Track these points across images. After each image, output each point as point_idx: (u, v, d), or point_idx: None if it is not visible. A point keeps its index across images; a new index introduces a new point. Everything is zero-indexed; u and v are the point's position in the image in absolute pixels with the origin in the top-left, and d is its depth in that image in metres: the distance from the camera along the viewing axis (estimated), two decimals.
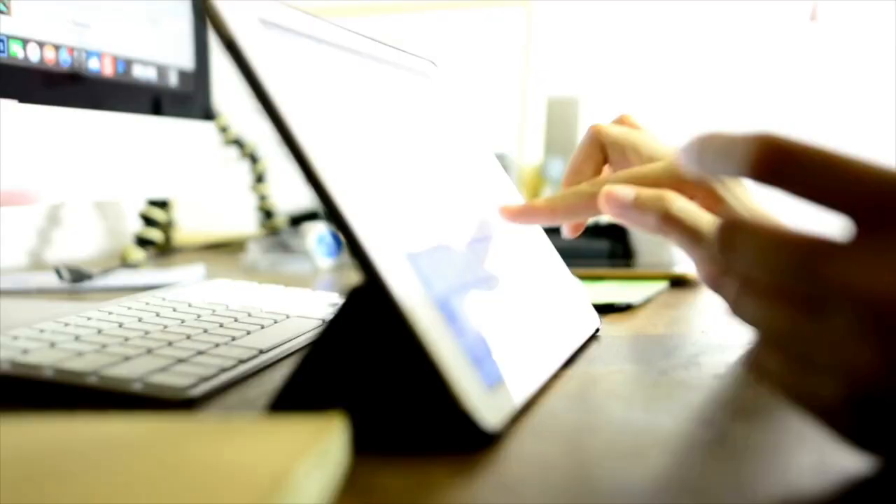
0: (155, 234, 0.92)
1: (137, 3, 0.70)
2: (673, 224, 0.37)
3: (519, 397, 0.33)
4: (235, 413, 0.35)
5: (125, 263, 0.89)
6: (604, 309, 0.58)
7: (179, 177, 0.80)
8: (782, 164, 0.25)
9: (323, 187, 0.30)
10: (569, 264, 0.66)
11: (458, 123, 0.51)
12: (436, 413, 0.29)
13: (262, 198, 1.05)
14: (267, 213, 1.00)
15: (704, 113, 1.16)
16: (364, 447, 0.28)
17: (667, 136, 0.47)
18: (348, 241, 0.30)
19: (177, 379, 0.37)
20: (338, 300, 0.31)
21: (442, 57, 1.19)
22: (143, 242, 0.91)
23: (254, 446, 0.23)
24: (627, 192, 0.39)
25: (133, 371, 0.37)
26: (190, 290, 0.59)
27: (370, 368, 0.30)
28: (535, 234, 0.50)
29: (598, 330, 0.49)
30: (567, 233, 0.48)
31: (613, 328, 0.52)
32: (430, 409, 0.29)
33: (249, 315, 0.52)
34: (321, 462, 0.24)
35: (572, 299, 0.48)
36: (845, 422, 0.25)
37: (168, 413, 0.35)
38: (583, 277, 0.65)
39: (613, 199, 0.40)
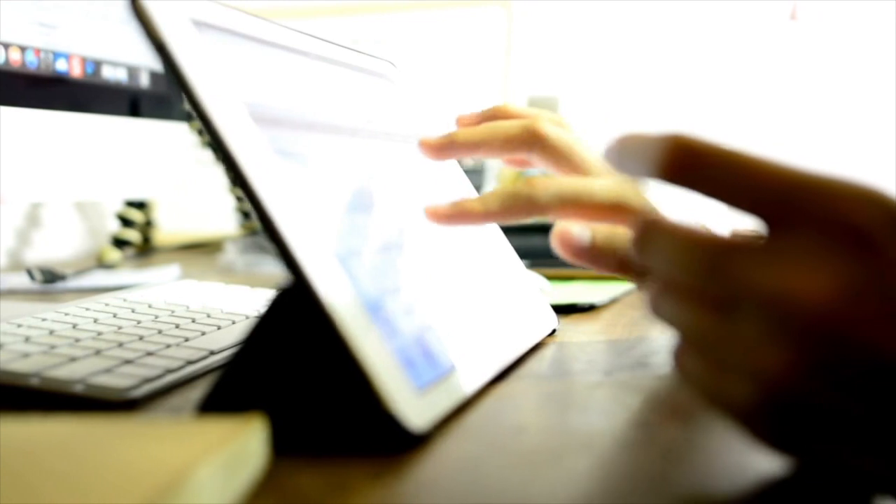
0: (132, 235, 0.92)
1: (107, 3, 0.70)
2: (630, 267, 0.37)
3: (454, 398, 0.33)
4: (170, 414, 0.35)
5: (101, 264, 0.89)
6: (567, 309, 0.58)
7: (158, 178, 0.80)
8: (691, 164, 0.25)
9: (251, 189, 0.30)
10: (537, 264, 0.66)
11: (415, 124, 0.51)
12: (362, 414, 0.29)
13: (240, 199, 1.05)
14: (245, 214, 1.01)
15: (685, 112, 1.16)
16: (289, 448, 0.28)
17: (594, 145, 0.46)
18: (274, 242, 0.30)
19: (119, 380, 0.37)
20: (266, 300, 0.31)
21: (421, 57, 1.19)
22: (119, 243, 0.91)
23: (159, 447, 0.24)
24: (583, 234, 0.38)
25: (76, 372, 0.37)
26: (153, 291, 0.59)
27: (297, 369, 0.30)
28: (490, 234, 0.50)
29: (554, 330, 0.49)
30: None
31: (572, 328, 0.52)
32: (356, 410, 0.29)
33: (208, 316, 0.52)
34: (231, 463, 0.24)
35: (527, 300, 0.48)
36: (760, 424, 0.25)
37: (107, 414, 0.35)
38: (551, 277, 0.65)
39: (568, 242, 0.38)
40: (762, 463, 0.27)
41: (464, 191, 0.50)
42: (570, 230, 0.38)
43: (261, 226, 0.30)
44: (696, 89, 1.16)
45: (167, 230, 1.09)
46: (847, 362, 0.23)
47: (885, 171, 1.06)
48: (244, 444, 0.26)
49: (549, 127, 0.45)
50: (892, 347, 0.22)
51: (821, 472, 0.26)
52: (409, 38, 1.18)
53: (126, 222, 0.92)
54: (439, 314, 0.38)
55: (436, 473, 0.27)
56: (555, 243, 0.39)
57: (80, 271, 0.82)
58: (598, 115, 1.17)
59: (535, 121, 0.46)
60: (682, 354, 0.27)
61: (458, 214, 0.40)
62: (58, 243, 1.04)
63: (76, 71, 0.67)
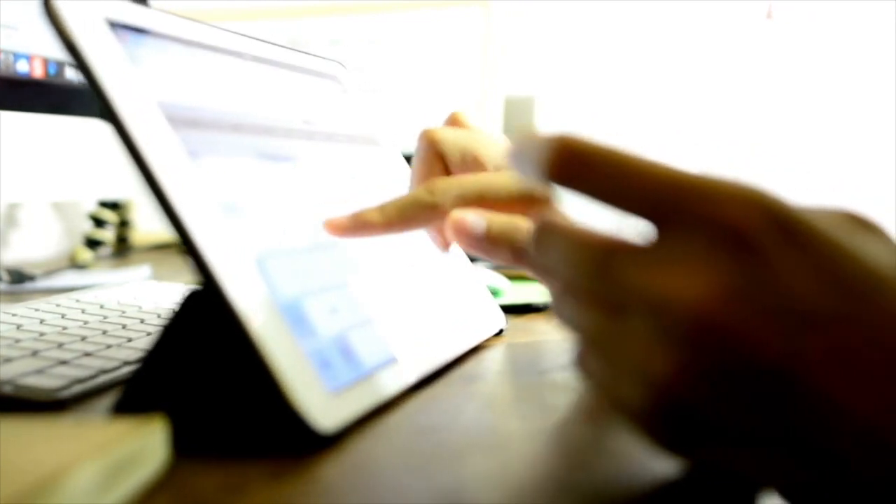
0: (105, 235, 0.93)
1: None
2: (526, 261, 0.36)
3: (372, 399, 0.33)
4: (96, 415, 0.35)
5: (74, 264, 0.89)
6: (523, 309, 0.58)
7: (134, 178, 0.80)
8: (575, 166, 0.25)
9: (158, 188, 0.30)
10: (500, 264, 0.66)
11: (360, 125, 0.51)
12: (270, 416, 0.29)
13: None
14: None
15: (661, 111, 1.16)
16: (199, 449, 0.29)
17: (497, 136, 0.45)
18: (183, 241, 0.30)
19: (50, 381, 0.37)
20: (178, 301, 0.31)
21: (399, 57, 1.19)
22: (92, 243, 0.91)
23: (44, 448, 0.24)
24: (478, 223, 0.37)
25: (7, 373, 0.37)
26: (109, 292, 0.59)
27: (206, 370, 0.30)
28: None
29: (501, 330, 0.49)
30: (440, 250, 0.44)
31: (525, 328, 0.52)
32: (264, 411, 0.29)
33: (158, 317, 0.52)
34: (122, 463, 0.24)
35: (472, 300, 0.48)
36: (652, 427, 0.25)
37: (33, 415, 0.35)
38: (512, 277, 0.66)
39: (463, 231, 0.38)
40: (662, 465, 0.27)
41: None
42: (466, 218, 0.38)
43: (172, 227, 0.30)
44: (673, 88, 1.16)
45: (145, 230, 1.09)
46: (729, 365, 0.23)
47: (861, 166, 1.06)
48: (140, 444, 0.26)
49: (445, 132, 0.44)
50: (772, 350, 0.22)
51: (712, 473, 0.26)
52: (388, 39, 1.18)
53: (99, 222, 0.92)
54: (370, 314, 0.38)
55: (337, 474, 0.28)
56: (449, 231, 0.38)
57: (50, 272, 0.83)
58: (576, 115, 1.17)
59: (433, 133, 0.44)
60: (583, 355, 0.27)
61: (356, 226, 0.39)
62: (35, 243, 1.04)
63: (38, 72, 0.67)
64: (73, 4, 0.31)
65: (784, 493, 0.24)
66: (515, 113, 1.09)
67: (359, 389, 0.33)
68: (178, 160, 0.31)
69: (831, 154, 1.08)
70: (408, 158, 1.14)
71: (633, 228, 0.25)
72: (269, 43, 0.45)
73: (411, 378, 0.37)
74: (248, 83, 0.41)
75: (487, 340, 0.47)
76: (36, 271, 0.80)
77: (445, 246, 0.43)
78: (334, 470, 0.28)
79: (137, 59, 0.33)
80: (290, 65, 0.46)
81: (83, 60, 0.30)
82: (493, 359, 0.43)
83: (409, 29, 1.16)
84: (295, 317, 0.32)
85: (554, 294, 0.27)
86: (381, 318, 0.39)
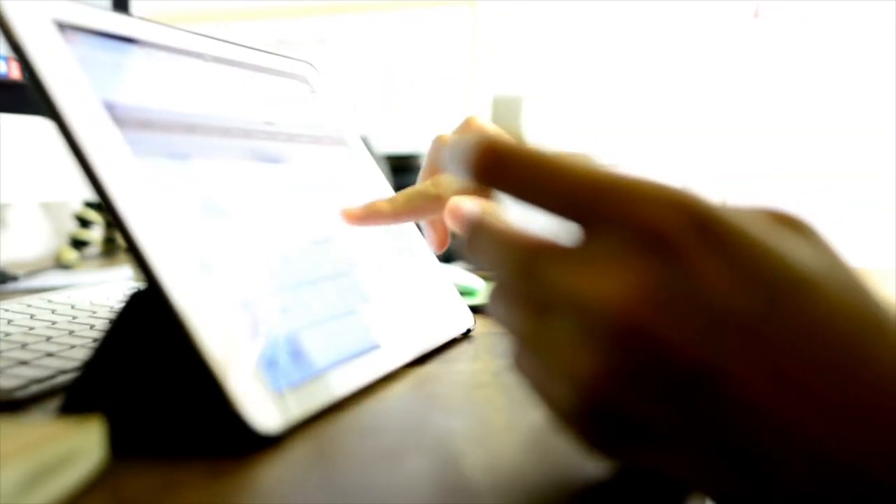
0: (91, 236, 0.93)
1: None
2: None
3: (321, 399, 0.34)
4: (38, 416, 0.35)
5: (58, 264, 0.90)
6: None
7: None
8: (498, 166, 0.25)
9: (103, 190, 0.30)
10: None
11: (330, 126, 0.51)
12: (212, 416, 0.29)
13: None
14: None
15: (649, 109, 1.15)
16: (140, 450, 0.29)
17: (514, 136, 0.47)
18: (127, 242, 0.30)
19: (7, 381, 0.37)
20: (121, 301, 0.31)
21: (388, 56, 1.19)
22: (77, 244, 0.91)
23: None
24: (473, 207, 0.40)
25: None
26: (83, 292, 0.59)
27: (149, 371, 0.31)
28: (402, 235, 0.50)
29: (469, 330, 0.49)
30: (435, 249, 0.49)
31: (494, 328, 0.52)
32: (206, 412, 0.29)
33: None
34: (52, 464, 0.24)
35: (438, 300, 0.48)
36: (580, 427, 0.25)
37: None
38: (487, 278, 0.66)
39: (458, 214, 0.41)
40: (595, 467, 0.27)
41: (371, 193, 0.50)
42: (462, 203, 0.41)
43: (117, 228, 0.30)
44: (661, 87, 1.15)
45: None
46: (650, 367, 0.23)
47: (846, 160, 1.06)
48: (73, 445, 0.26)
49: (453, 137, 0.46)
50: (691, 352, 0.22)
51: (642, 475, 0.26)
52: (375, 38, 1.18)
53: (84, 223, 0.92)
54: (326, 314, 0.38)
55: (273, 474, 0.28)
56: (447, 216, 0.42)
57: (34, 272, 0.83)
58: (564, 114, 1.17)
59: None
60: (518, 355, 0.27)
61: (368, 215, 0.44)
62: (23, 244, 1.05)
63: (15, 73, 0.67)
64: (19, 5, 0.31)
65: (712, 496, 0.24)
66: (503, 112, 1.09)
67: (307, 390, 0.33)
68: (122, 160, 0.32)
69: (817, 149, 1.08)
70: (398, 157, 1.14)
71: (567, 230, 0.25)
72: (232, 44, 0.45)
73: (365, 378, 0.37)
74: (207, 84, 0.41)
75: (454, 341, 0.47)
76: (19, 271, 0.81)
77: (440, 245, 0.47)
78: (272, 470, 0.28)
79: (86, 60, 0.33)
80: (255, 65, 0.46)
81: (27, 60, 0.30)
82: (453, 359, 0.43)
83: (396, 28, 1.16)
84: (241, 317, 0.32)
85: (490, 293, 0.27)
86: (338, 319, 0.39)
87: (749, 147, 1.11)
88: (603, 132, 1.16)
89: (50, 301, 0.55)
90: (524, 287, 0.25)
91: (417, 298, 0.47)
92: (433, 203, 0.44)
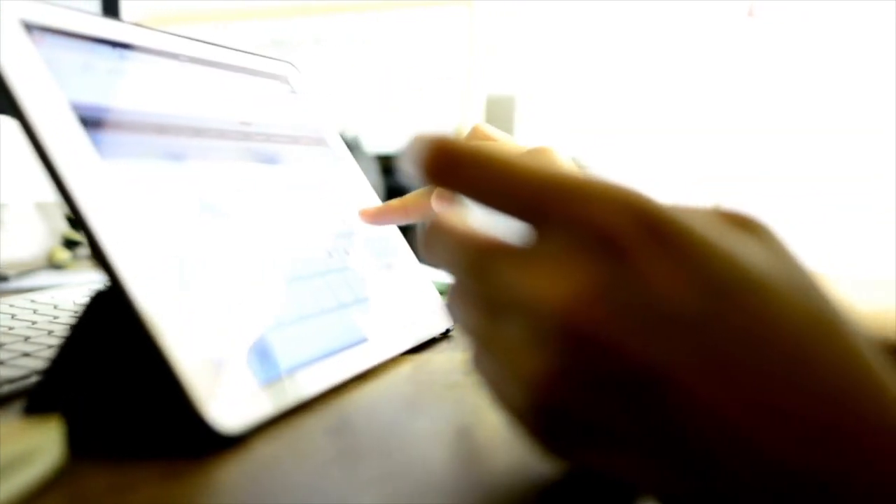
0: (80, 236, 0.93)
1: None
2: None
3: (286, 400, 0.34)
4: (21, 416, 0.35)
5: (51, 264, 0.90)
6: None
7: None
8: (449, 166, 0.25)
9: (66, 190, 0.30)
10: None
11: (310, 126, 0.51)
12: (173, 416, 0.29)
13: None
14: None
15: (644, 107, 1.15)
16: (99, 449, 0.29)
17: (520, 145, 0.47)
18: (90, 243, 0.30)
19: None
20: (84, 302, 0.31)
21: (385, 55, 1.19)
22: (70, 243, 0.92)
23: None
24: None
25: None
26: (67, 292, 0.60)
27: (111, 370, 0.31)
28: (385, 234, 0.50)
29: (449, 330, 0.49)
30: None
31: None
32: (167, 412, 0.30)
33: None
34: (8, 462, 0.25)
35: (416, 301, 0.48)
36: (533, 428, 0.25)
37: None
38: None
39: (445, 199, 0.45)
40: (550, 468, 0.27)
41: (349, 192, 0.50)
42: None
43: (80, 228, 0.30)
44: (655, 86, 1.15)
45: None
46: (597, 368, 0.23)
47: (839, 154, 1.06)
48: (30, 445, 0.26)
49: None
50: (637, 354, 0.22)
51: (593, 477, 0.26)
52: (371, 37, 1.18)
53: (74, 223, 0.93)
54: (298, 314, 0.38)
55: (230, 475, 0.28)
56: (433, 201, 0.45)
57: (25, 272, 0.83)
58: (557, 113, 1.17)
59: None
60: (475, 354, 0.27)
61: (382, 213, 0.49)
62: (18, 243, 1.05)
63: None
64: None
65: (659, 497, 0.24)
66: (496, 111, 1.09)
67: (274, 389, 0.33)
68: (87, 161, 0.32)
69: (812, 148, 1.07)
70: (391, 157, 1.14)
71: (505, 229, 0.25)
72: (209, 44, 0.45)
73: (337, 378, 0.37)
74: (181, 85, 0.41)
75: (433, 340, 0.47)
76: (10, 271, 0.81)
77: None
78: (229, 470, 0.28)
79: (53, 61, 0.33)
80: (233, 66, 0.47)
81: None
82: (429, 359, 0.43)
83: (392, 28, 1.16)
84: (206, 317, 0.32)
85: (448, 293, 0.27)
86: (312, 319, 0.39)
87: (743, 146, 1.11)
88: (597, 132, 1.16)
89: (33, 301, 0.56)
90: (477, 287, 0.25)
91: (396, 299, 0.47)
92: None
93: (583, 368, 0.23)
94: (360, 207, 0.49)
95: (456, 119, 1.12)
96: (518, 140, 0.49)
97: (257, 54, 0.50)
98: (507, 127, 1.08)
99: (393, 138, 1.09)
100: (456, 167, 0.25)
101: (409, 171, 0.26)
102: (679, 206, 0.24)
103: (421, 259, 0.51)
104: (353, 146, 1.06)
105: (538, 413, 0.24)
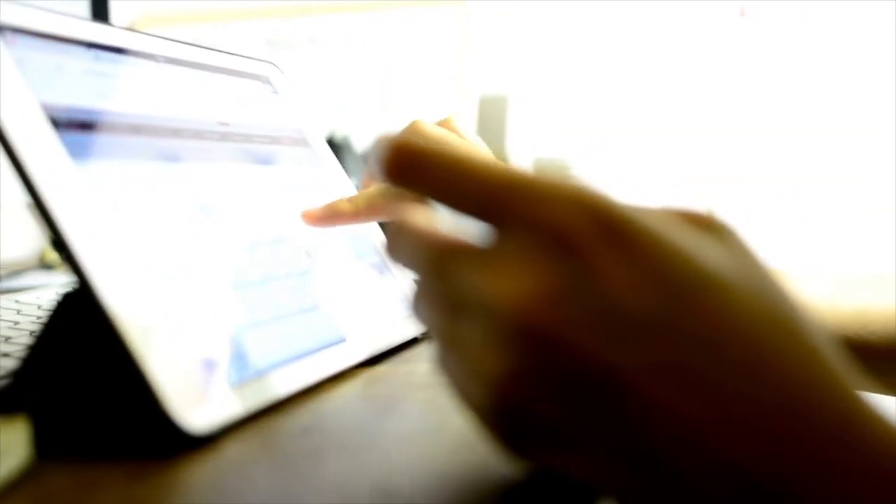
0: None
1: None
2: None
3: (258, 400, 0.34)
4: None
5: (42, 264, 0.90)
6: None
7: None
8: (409, 166, 0.25)
9: (35, 190, 0.30)
10: None
11: (291, 126, 0.51)
12: (143, 416, 0.29)
13: None
14: None
15: (637, 107, 1.15)
16: (68, 449, 0.29)
17: (483, 148, 0.48)
18: (59, 244, 0.30)
19: None
20: (53, 303, 0.31)
21: (378, 56, 1.19)
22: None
23: None
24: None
25: None
26: (51, 292, 0.60)
27: (80, 371, 0.31)
28: (363, 234, 0.50)
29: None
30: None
31: None
32: (138, 412, 0.30)
33: None
34: None
35: (397, 301, 0.48)
36: (494, 428, 0.25)
37: None
38: None
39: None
40: (512, 469, 0.27)
41: (330, 192, 0.50)
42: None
43: (49, 229, 0.30)
44: (650, 84, 1.15)
45: None
46: (554, 369, 0.22)
47: (830, 153, 1.05)
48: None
49: (427, 128, 0.47)
50: (594, 356, 0.22)
51: (554, 478, 0.26)
52: (365, 38, 1.18)
53: None
54: (272, 315, 0.38)
55: (196, 475, 0.28)
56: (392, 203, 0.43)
57: (16, 271, 0.83)
58: (551, 114, 1.17)
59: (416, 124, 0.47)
60: (439, 354, 0.27)
61: (328, 216, 0.45)
62: (13, 244, 1.05)
63: None
64: None
65: (618, 498, 0.24)
66: (490, 111, 1.09)
67: (247, 389, 0.33)
68: (57, 162, 0.32)
69: (804, 148, 1.07)
70: None
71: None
72: (188, 45, 0.45)
73: (311, 379, 0.37)
74: (157, 85, 0.41)
75: (413, 341, 0.47)
76: (1, 272, 0.81)
77: None
78: (195, 470, 0.28)
79: (25, 61, 0.34)
80: (212, 66, 0.47)
81: None
82: (406, 360, 0.43)
83: (386, 28, 1.16)
84: (177, 317, 0.32)
85: (412, 292, 0.27)
86: (288, 319, 0.39)
87: (735, 146, 1.11)
88: (590, 132, 1.16)
89: (17, 301, 0.56)
90: (439, 287, 0.25)
91: (377, 298, 0.47)
92: (394, 202, 0.44)
93: (540, 369, 0.23)
94: (304, 209, 0.45)
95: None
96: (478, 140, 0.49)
97: (238, 55, 0.50)
98: (500, 127, 1.08)
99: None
100: (415, 167, 0.25)
101: (372, 171, 0.26)
102: (638, 206, 0.24)
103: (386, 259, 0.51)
104: (343, 146, 1.06)
105: (499, 414, 0.24)
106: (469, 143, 0.48)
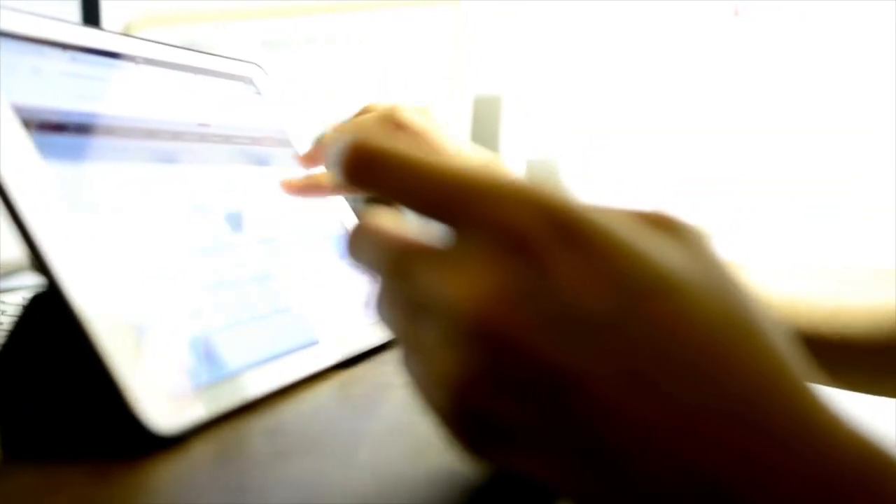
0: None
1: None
2: None
3: (232, 399, 0.34)
4: None
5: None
6: None
7: None
8: (366, 166, 0.25)
9: (6, 196, 0.30)
10: None
11: (274, 127, 0.51)
12: (110, 417, 0.30)
13: None
14: None
15: (631, 107, 1.15)
16: (32, 450, 0.29)
17: (459, 139, 0.48)
18: (29, 246, 0.30)
19: None
20: (22, 304, 0.32)
21: (371, 56, 1.19)
22: None
23: None
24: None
25: None
26: None
27: (48, 371, 0.31)
28: (340, 234, 0.50)
29: None
30: None
31: None
32: (105, 412, 0.30)
33: None
34: None
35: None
36: (454, 429, 0.25)
37: None
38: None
39: None
40: (474, 470, 0.27)
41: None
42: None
43: (18, 231, 0.31)
44: (644, 84, 1.15)
45: None
46: (509, 370, 0.22)
47: (825, 153, 1.05)
48: None
49: (408, 114, 0.48)
50: (548, 357, 0.22)
51: (513, 477, 0.26)
52: (358, 38, 1.18)
53: None
54: (246, 316, 0.38)
55: (161, 475, 0.28)
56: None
57: (8, 272, 0.84)
58: (544, 114, 1.17)
59: (394, 109, 0.49)
60: (403, 355, 0.27)
61: (308, 187, 0.47)
62: (4, 244, 1.06)
63: None
64: None
65: (575, 500, 0.24)
66: (483, 111, 1.09)
67: (217, 390, 0.33)
68: (27, 162, 0.32)
69: (799, 148, 1.07)
70: None
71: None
72: (168, 46, 0.45)
73: (285, 379, 0.37)
74: (134, 87, 0.41)
75: (386, 346, 0.47)
76: None
77: None
78: (160, 471, 0.28)
79: None
80: (193, 67, 0.47)
81: None
82: (384, 360, 0.43)
83: (379, 28, 1.16)
84: (146, 318, 0.32)
85: (373, 293, 0.27)
86: (262, 320, 0.39)
87: (729, 146, 1.10)
88: (584, 131, 1.16)
89: (2, 302, 0.56)
90: (399, 288, 0.25)
91: (350, 301, 0.47)
92: None
93: (495, 371, 0.23)
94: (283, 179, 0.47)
95: (441, 119, 1.12)
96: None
97: (220, 56, 0.50)
98: (494, 127, 1.08)
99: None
100: (374, 168, 0.25)
101: (331, 171, 0.26)
102: (597, 207, 0.24)
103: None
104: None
105: (457, 415, 0.24)
106: (444, 133, 0.49)
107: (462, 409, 0.24)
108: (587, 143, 1.15)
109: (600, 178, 1.12)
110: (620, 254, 0.23)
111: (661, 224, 0.25)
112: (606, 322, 0.22)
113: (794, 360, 0.24)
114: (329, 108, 1.22)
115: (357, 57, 1.18)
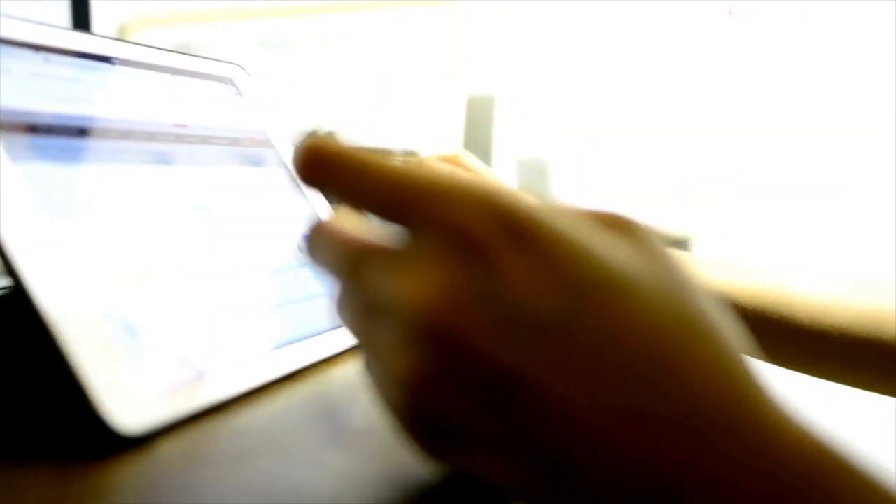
0: None
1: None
2: None
3: (203, 400, 0.34)
4: None
5: None
6: None
7: None
8: (319, 167, 0.25)
9: None
10: None
11: (254, 128, 0.51)
12: (75, 416, 0.30)
13: None
14: None
15: (626, 105, 1.15)
16: (3, 451, 0.29)
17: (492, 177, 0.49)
18: None
19: None
20: None
21: (369, 56, 1.20)
22: None
23: None
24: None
25: None
26: None
27: (13, 371, 0.31)
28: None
29: None
30: None
31: None
32: (70, 412, 0.30)
33: None
34: None
35: None
36: (409, 430, 0.25)
37: None
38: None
39: None
40: (430, 471, 0.27)
41: (286, 193, 0.50)
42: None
43: None
44: (638, 84, 1.15)
45: None
46: (458, 370, 0.23)
47: (815, 149, 1.05)
48: None
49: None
50: (496, 357, 0.22)
51: (468, 478, 0.26)
52: (353, 38, 1.18)
53: None
54: (221, 315, 0.38)
55: (122, 475, 0.28)
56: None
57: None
58: (537, 112, 1.17)
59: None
60: (363, 356, 0.27)
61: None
62: None
63: None
64: None
65: (529, 501, 0.24)
66: (476, 111, 1.09)
67: (183, 391, 0.33)
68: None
69: (795, 143, 1.07)
70: None
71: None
72: (146, 47, 0.45)
73: (259, 380, 0.37)
74: (109, 87, 0.41)
75: None
76: None
77: None
78: (123, 471, 0.28)
79: None
80: (171, 68, 0.47)
81: None
82: (353, 362, 0.43)
83: (374, 28, 1.17)
84: (113, 318, 0.32)
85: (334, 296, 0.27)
86: (228, 319, 0.39)
87: (724, 146, 1.10)
88: (577, 132, 1.16)
89: None
90: (355, 289, 0.25)
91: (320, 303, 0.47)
92: None
93: (445, 370, 0.23)
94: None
95: (436, 119, 1.12)
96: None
97: (200, 56, 0.50)
98: (487, 127, 1.08)
99: (369, 138, 1.09)
100: (328, 169, 0.25)
101: (292, 170, 0.27)
102: (548, 207, 0.24)
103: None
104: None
105: (411, 415, 0.24)
106: (477, 174, 0.49)
107: (416, 409, 0.24)
108: (580, 142, 1.15)
109: (592, 178, 1.12)
110: (569, 254, 0.23)
111: (614, 224, 0.25)
112: (554, 323, 0.22)
113: (744, 360, 0.24)
114: (324, 107, 1.22)
115: (353, 57, 1.18)
